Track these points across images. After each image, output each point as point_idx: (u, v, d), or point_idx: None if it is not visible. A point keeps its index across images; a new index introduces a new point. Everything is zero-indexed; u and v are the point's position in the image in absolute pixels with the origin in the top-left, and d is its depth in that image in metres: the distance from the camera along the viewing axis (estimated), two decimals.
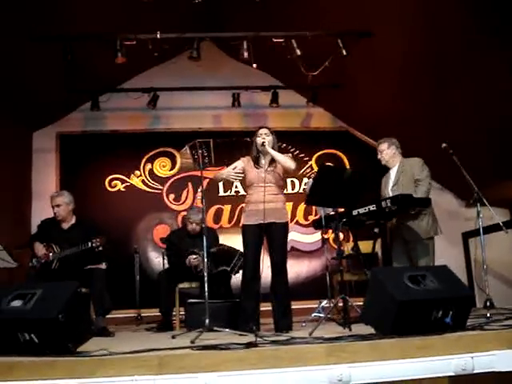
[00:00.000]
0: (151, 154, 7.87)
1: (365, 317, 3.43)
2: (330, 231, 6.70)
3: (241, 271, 4.61)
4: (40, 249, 4.95)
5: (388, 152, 5.10)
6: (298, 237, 7.79)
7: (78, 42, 5.87)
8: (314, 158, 8.10)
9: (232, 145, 7.44)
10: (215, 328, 3.87)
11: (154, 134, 7.95)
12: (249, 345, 2.95)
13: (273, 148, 4.47)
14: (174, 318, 5.38)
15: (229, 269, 5.38)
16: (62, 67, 6.10)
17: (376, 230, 5.24)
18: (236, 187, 7.77)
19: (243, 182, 4.73)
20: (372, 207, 4.75)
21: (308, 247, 7.82)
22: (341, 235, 4.94)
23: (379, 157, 5.16)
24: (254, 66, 6.07)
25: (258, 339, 3.13)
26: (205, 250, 4.21)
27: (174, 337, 4.04)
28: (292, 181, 7.94)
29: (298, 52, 5.91)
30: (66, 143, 7.76)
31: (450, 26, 5.23)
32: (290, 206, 7.58)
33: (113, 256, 5.68)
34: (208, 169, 7.36)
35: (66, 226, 5.13)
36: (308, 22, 6.05)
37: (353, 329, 3.81)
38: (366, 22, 5.78)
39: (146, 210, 7.70)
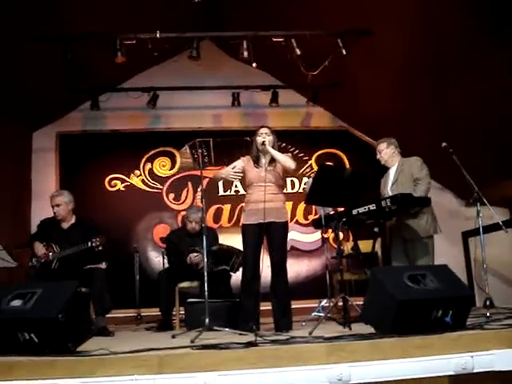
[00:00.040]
0: (151, 153, 7.87)
1: (365, 316, 3.43)
2: (330, 230, 6.69)
3: (241, 269, 4.61)
4: (40, 248, 4.95)
5: (387, 152, 5.10)
6: (298, 236, 7.79)
7: (77, 42, 5.86)
8: (313, 158, 8.11)
9: (232, 144, 7.47)
10: (215, 327, 3.87)
11: (154, 134, 7.94)
12: (249, 344, 2.95)
13: (273, 147, 4.47)
14: (174, 318, 5.39)
15: (228, 268, 5.38)
16: (62, 67, 6.10)
17: (376, 230, 5.24)
18: (236, 187, 7.77)
19: (243, 181, 4.73)
20: (372, 207, 4.75)
21: (308, 246, 7.82)
22: (341, 234, 4.93)
23: (378, 157, 5.17)
24: (254, 65, 6.07)
25: (258, 339, 3.13)
26: (204, 249, 4.21)
27: (173, 336, 4.05)
28: (292, 180, 7.95)
29: (298, 51, 5.91)
30: (66, 143, 7.76)
31: (450, 25, 5.22)
32: (289, 205, 7.58)
33: (113, 255, 5.68)
34: (208, 168, 7.43)
35: (65, 225, 5.13)
36: (308, 21, 6.05)
37: (353, 328, 3.81)
38: (366, 22, 5.78)
39: (146, 209, 7.70)
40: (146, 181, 7.81)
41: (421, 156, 5.04)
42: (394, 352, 2.84)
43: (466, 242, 7.21)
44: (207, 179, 6.83)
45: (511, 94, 5.24)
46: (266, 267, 4.40)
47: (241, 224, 4.54)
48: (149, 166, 7.85)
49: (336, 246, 4.56)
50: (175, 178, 7.88)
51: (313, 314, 5.53)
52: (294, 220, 7.79)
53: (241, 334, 3.80)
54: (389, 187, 5.04)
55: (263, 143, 4.44)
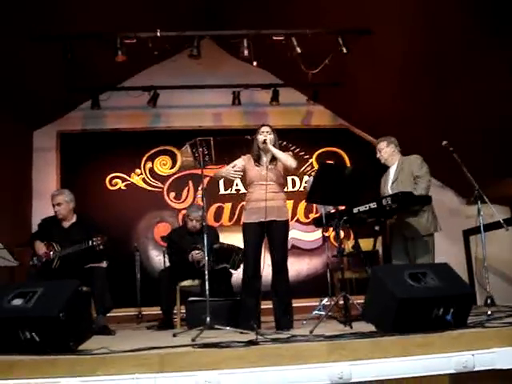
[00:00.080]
0: (152, 152, 7.88)
1: (365, 314, 3.43)
2: (331, 229, 6.69)
3: (241, 268, 4.61)
4: (41, 247, 4.95)
5: (387, 150, 5.10)
6: (299, 235, 7.79)
7: (77, 41, 5.86)
8: (314, 156, 8.11)
9: (232, 143, 7.47)
10: (216, 326, 3.87)
11: (155, 133, 7.94)
12: (249, 343, 2.95)
13: (274, 146, 4.47)
14: (175, 317, 5.39)
15: (229, 266, 5.38)
16: (62, 66, 6.10)
17: (377, 228, 5.24)
18: (237, 185, 7.77)
19: (243, 180, 4.73)
20: (372, 205, 4.75)
21: (309, 245, 7.82)
22: (341, 233, 4.94)
23: (378, 155, 5.17)
24: (255, 63, 6.06)
25: (259, 337, 3.12)
26: (205, 247, 4.21)
27: (174, 335, 4.05)
28: (292, 179, 7.95)
29: (299, 50, 5.91)
30: (67, 142, 7.76)
31: (450, 26, 5.22)
32: (290, 204, 7.59)
33: (113, 254, 5.67)
34: (208, 167, 7.43)
35: (66, 224, 5.13)
36: (308, 19, 6.04)
37: (354, 326, 3.82)
38: (366, 21, 5.78)
39: (147, 208, 7.70)
40: (147, 180, 7.81)
41: (421, 154, 5.03)
42: (394, 350, 2.84)
43: (467, 240, 7.21)
44: (208, 178, 6.83)
45: (511, 93, 5.24)
46: (266, 266, 4.40)
47: (241, 223, 4.54)
48: (149, 164, 7.85)
49: (337, 245, 4.56)
50: (176, 176, 7.88)
51: (314, 312, 5.53)
52: (295, 219, 7.79)
53: (242, 333, 3.81)
54: (389, 186, 5.04)
55: (264, 142, 4.44)
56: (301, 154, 7.99)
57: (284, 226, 4.43)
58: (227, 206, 7.81)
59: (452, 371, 2.82)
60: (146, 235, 7.64)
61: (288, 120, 7.94)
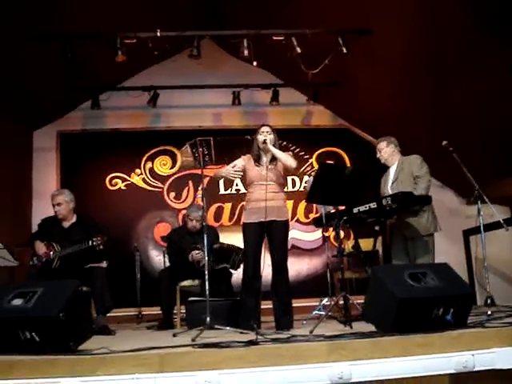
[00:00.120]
0: (152, 152, 7.88)
1: (365, 314, 3.43)
2: (331, 229, 6.69)
3: (241, 268, 4.60)
4: (41, 247, 4.95)
5: (387, 150, 5.10)
6: (299, 235, 7.79)
7: (77, 41, 5.87)
8: (314, 156, 8.11)
9: (232, 143, 7.47)
10: (216, 326, 3.87)
11: (155, 133, 7.94)
12: (249, 343, 2.95)
13: (274, 146, 4.47)
14: (175, 317, 5.39)
15: (229, 266, 5.38)
16: (62, 66, 6.10)
17: (377, 228, 5.24)
18: (237, 185, 7.77)
19: (243, 180, 4.72)
20: (373, 205, 4.75)
21: (309, 245, 7.82)
22: (341, 233, 4.94)
23: (378, 156, 5.17)
24: (255, 63, 6.06)
25: (259, 337, 3.12)
26: (205, 247, 4.21)
27: (174, 335, 4.05)
28: (292, 179, 7.95)
29: (298, 50, 5.91)
30: (67, 142, 7.76)
31: (450, 25, 5.22)
32: (290, 204, 7.59)
33: (113, 254, 5.67)
34: (208, 167, 7.43)
35: (66, 224, 5.13)
36: (308, 19, 6.05)
37: (353, 327, 3.82)
38: (366, 20, 5.78)
39: (147, 208, 7.70)
40: (147, 180, 7.81)
41: (421, 154, 5.03)
42: (394, 350, 2.83)
43: (467, 241, 7.21)
44: (208, 178, 6.83)
45: (511, 93, 5.24)
46: (266, 266, 4.40)
47: (241, 223, 4.54)
48: (149, 164, 7.85)
49: (337, 245, 4.56)
50: (176, 176, 7.88)
51: (314, 312, 5.53)
52: (295, 219, 7.80)
53: (242, 333, 3.81)
54: (389, 186, 5.03)
55: (264, 142, 4.44)
56: (301, 153, 7.99)
57: (284, 226, 4.43)
58: (227, 206, 7.81)
59: (452, 371, 2.82)
60: (146, 235, 7.65)
61: (288, 120, 7.94)
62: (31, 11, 5.22)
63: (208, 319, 3.85)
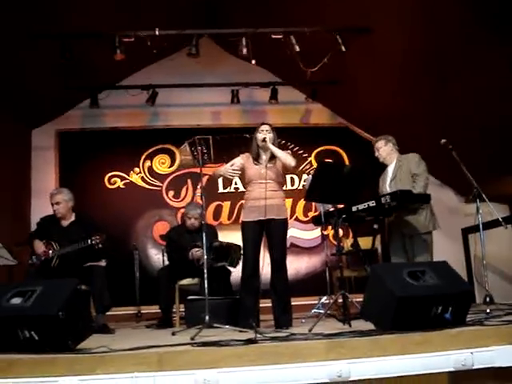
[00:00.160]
0: (150, 150, 7.87)
1: (364, 313, 3.43)
2: (330, 227, 6.69)
3: (240, 266, 4.60)
4: (39, 246, 4.94)
5: (385, 149, 5.11)
6: (298, 233, 7.79)
7: (76, 40, 5.87)
8: (313, 155, 8.11)
9: (231, 141, 7.48)
10: (215, 325, 3.87)
11: (153, 131, 7.94)
12: (248, 341, 2.96)
13: (273, 144, 4.47)
14: (174, 315, 5.39)
15: (228, 263, 5.38)
16: (61, 65, 6.09)
17: (375, 226, 5.23)
18: (235, 184, 7.77)
19: (242, 178, 4.72)
20: (371, 203, 4.75)
21: (308, 243, 7.83)
22: (340, 231, 4.95)
23: (376, 154, 5.17)
24: (253, 62, 6.06)
25: (258, 335, 3.12)
26: (204, 245, 4.21)
27: (173, 333, 4.03)
28: (291, 177, 7.95)
29: (297, 48, 5.91)
30: (65, 140, 7.76)
31: (449, 22, 5.22)
32: (289, 202, 7.59)
33: (112, 253, 5.68)
34: (207, 165, 7.43)
35: (65, 223, 5.12)
36: (307, 17, 6.04)
37: (352, 325, 3.82)
38: (365, 19, 5.77)
39: (146, 207, 7.70)
40: (146, 178, 7.81)
41: (420, 153, 5.03)
42: (393, 348, 2.84)
43: (466, 239, 7.20)
44: (207, 176, 6.83)
45: (511, 90, 5.24)
46: (265, 264, 4.40)
47: (240, 221, 4.54)
48: (148, 163, 7.85)
49: (336, 243, 4.56)
50: (175, 175, 7.88)
51: (312, 310, 5.53)
52: (294, 217, 7.80)
53: (241, 331, 3.81)
54: (387, 184, 5.04)
55: (264, 140, 4.44)
56: (300, 152, 7.99)
57: (283, 225, 4.43)
58: (226, 205, 7.81)
59: (451, 369, 2.82)
60: (145, 234, 7.65)
61: (287, 118, 7.94)
62: (30, 10, 5.21)
63: (207, 318, 3.85)
